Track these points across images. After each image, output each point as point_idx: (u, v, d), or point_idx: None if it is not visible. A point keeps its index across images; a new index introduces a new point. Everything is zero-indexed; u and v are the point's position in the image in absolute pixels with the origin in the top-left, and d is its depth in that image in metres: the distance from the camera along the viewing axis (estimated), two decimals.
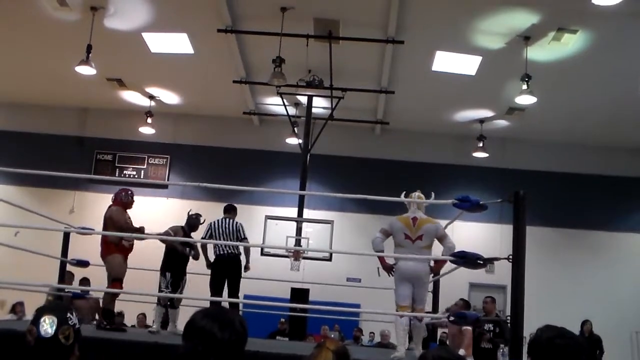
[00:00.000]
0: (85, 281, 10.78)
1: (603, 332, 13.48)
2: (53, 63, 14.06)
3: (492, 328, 9.08)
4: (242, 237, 8.19)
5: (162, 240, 7.91)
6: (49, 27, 12.50)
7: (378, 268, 6.68)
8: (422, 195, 6.69)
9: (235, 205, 8.65)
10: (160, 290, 7.79)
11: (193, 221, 8.29)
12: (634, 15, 10.51)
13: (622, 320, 15.20)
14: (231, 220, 8.26)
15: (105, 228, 7.31)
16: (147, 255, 8.26)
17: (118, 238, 7.14)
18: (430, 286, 8.07)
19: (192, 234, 8.36)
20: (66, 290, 8.22)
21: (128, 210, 7.57)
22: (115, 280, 7.12)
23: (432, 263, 6.60)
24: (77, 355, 2.46)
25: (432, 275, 6.73)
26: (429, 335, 9.30)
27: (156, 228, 8.74)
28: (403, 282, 6.31)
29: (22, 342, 2.45)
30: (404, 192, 6.71)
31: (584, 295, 15.49)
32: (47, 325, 2.37)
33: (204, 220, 8.39)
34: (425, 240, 6.31)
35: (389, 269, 6.51)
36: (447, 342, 8.77)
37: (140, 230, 7.33)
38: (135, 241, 7.43)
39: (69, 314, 2.45)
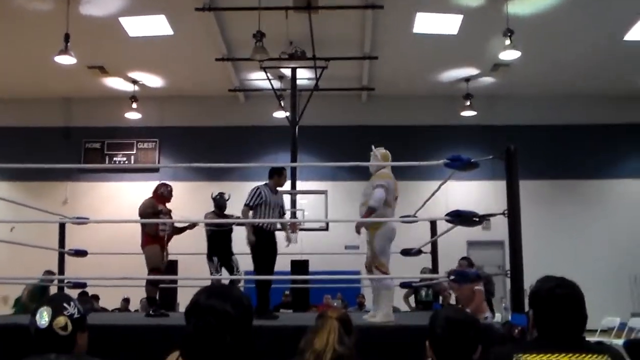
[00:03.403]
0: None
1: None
2: (32, 55, 13.88)
3: None
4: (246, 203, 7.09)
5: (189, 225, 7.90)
6: (24, 19, 12.31)
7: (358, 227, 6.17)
8: (386, 152, 6.54)
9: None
10: (211, 275, 7.77)
11: (220, 202, 8.19)
12: None
13: (620, 265, 15.37)
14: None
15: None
16: None
17: (155, 229, 7.16)
18: (428, 247, 8.14)
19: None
20: (66, 280, 8.20)
21: (167, 204, 7.54)
22: (153, 269, 7.14)
23: None
24: (81, 344, 2.48)
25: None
26: (433, 297, 9.42)
27: None
28: (390, 243, 6.18)
29: (27, 335, 2.48)
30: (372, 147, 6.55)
31: (581, 243, 15.66)
32: (41, 317, 2.42)
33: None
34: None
35: (360, 227, 6.14)
36: (456, 303, 8.74)
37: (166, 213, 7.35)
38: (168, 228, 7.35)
39: (64, 304, 2.48)
